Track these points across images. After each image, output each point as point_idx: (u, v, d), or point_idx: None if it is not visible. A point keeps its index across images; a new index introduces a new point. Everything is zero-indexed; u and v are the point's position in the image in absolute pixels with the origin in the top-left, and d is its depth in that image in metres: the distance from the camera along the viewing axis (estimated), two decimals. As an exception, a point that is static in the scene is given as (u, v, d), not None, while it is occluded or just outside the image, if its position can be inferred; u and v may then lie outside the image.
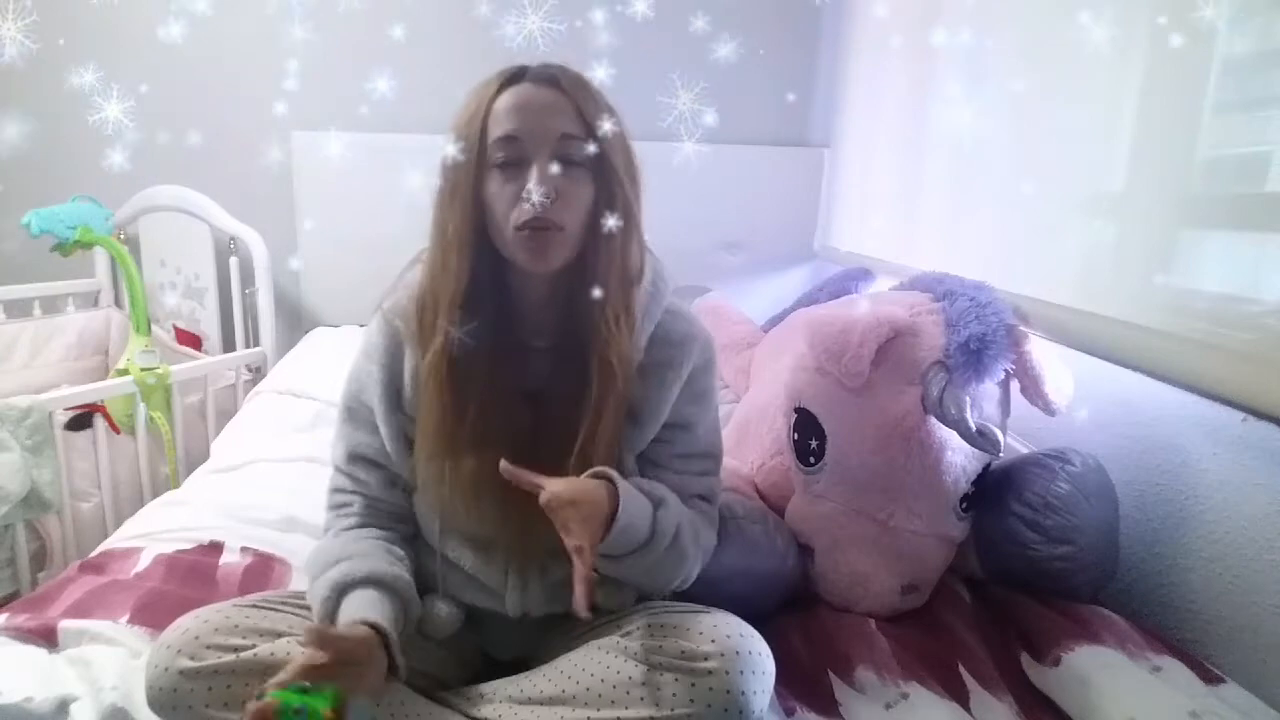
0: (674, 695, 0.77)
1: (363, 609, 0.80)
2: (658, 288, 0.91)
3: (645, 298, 0.89)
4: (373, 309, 0.94)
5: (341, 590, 0.83)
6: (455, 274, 0.84)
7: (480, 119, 0.83)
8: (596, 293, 0.84)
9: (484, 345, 0.85)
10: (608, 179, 0.83)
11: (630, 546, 0.83)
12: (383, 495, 0.95)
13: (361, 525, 0.94)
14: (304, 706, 0.67)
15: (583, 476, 0.83)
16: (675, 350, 0.91)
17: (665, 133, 2.29)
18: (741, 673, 0.76)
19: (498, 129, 0.82)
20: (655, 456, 0.94)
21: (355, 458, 0.95)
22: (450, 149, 0.84)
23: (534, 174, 0.80)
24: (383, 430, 0.92)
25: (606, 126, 0.83)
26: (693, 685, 0.77)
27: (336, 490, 0.97)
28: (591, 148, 0.82)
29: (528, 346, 0.90)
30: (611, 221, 0.83)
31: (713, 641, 0.78)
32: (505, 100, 0.83)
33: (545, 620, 0.95)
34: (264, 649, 0.78)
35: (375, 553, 0.89)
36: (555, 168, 0.81)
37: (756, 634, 0.81)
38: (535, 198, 0.79)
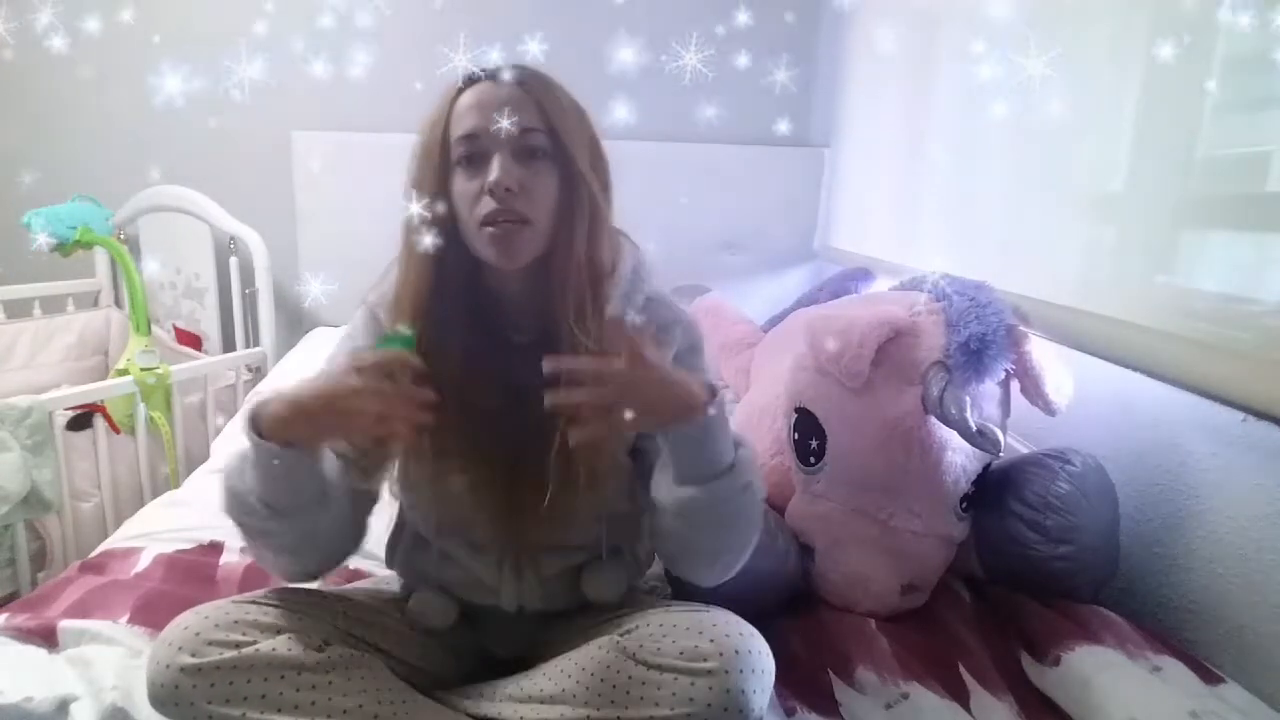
0: (674, 695, 0.77)
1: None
2: (638, 274, 0.91)
3: (624, 286, 0.89)
4: (357, 304, 0.93)
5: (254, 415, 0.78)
6: (421, 273, 0.84)
7: (443, 119, 0.83)
8: (559, 290, 0.83)
9: (460, 342, 0.84)
10: (571, 173, 0.83)
11: (716, 467, 0.80)
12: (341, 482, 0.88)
13: None
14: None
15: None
16: (657, 336, 0.90)
17: (665, 133, 2.30)
18: (741, 672, 0.76)
19: (459, 128, 0.82)
20: (648, 445, 0.92)
21: None
22: (414, 150, 0.85)
23: (495, 166, 0.80)
24: None
25: (569, 120, 0.83)
26: (692, 684, 0.76)
27: None
28: (549, 140, 0.82)
29: (509, 342, 0.89)
30: (574, 215, 0.83)
31: (712, 641, 0.78)
32: (466, 99, 0.83)
33: (543, 616, 0.95)
34: (265, 645, 0.78)
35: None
36: (515, 162, 0.81)
37: (756, 633, 0.81)
38: (497, 191, 0.79)
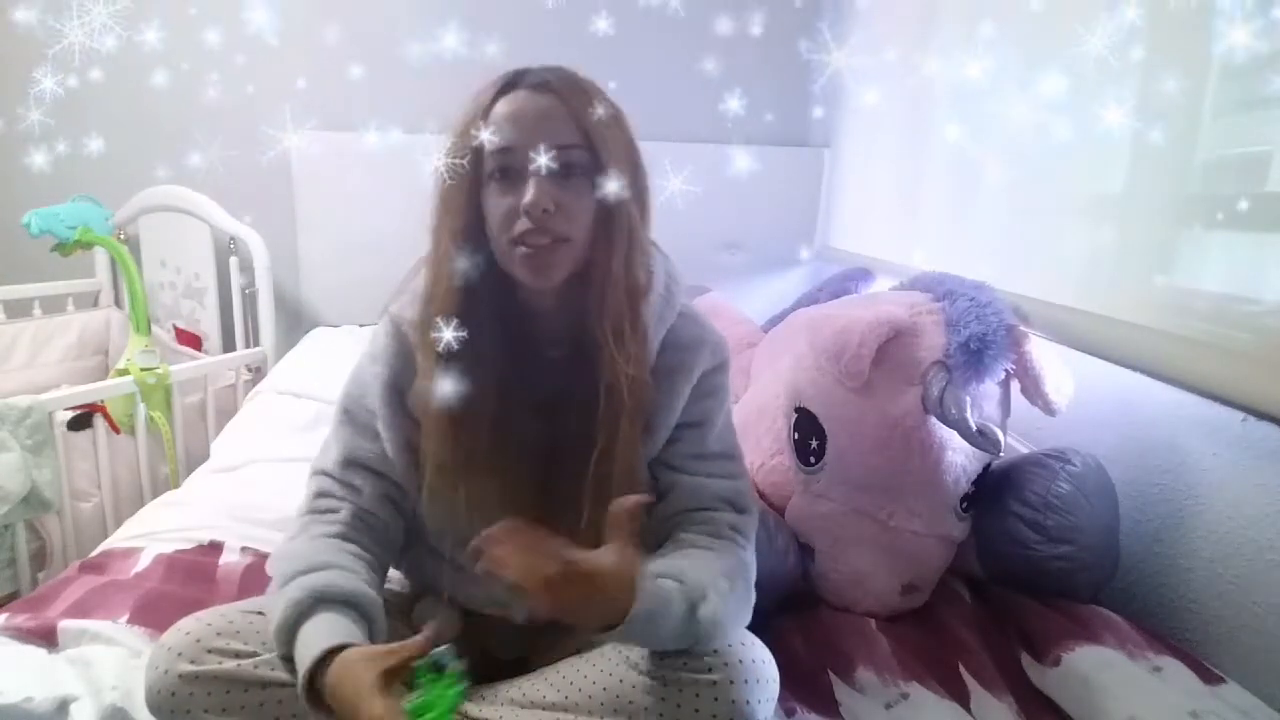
0: (678, 706, 0.76)
1: (336, 633, 0.75)
2: (670, 291, 0.89)
3: (658, 303, 0.87)
4: (380, 312, 0.91)
5: (318, 599, 0.77)
6: (448, 287, 0.81)
7: (477, 126, 0.80)
8: (597, 311, 0.82)
9: (490, 355, 0.83)
10: (608, 188, 0.80)
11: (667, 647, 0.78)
12: (374, 509, 0.90)
13: (343, 537, 0.87)
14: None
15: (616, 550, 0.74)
16: (685, 354, 0.89)
17: (665, 133, 2.30)
18: (746, 682, 0.76)
19: (494, 137, 0.80)
20: (668, 459, 0.92)
21: (352, 463, 0.90)
22: (444, 158, 0.82)
23: (531, 186, 0.78)
24: (385, 435, 0.89)
25: (608, 133, 0.81)
26: (696, 695, 0.76)
27: (322, 494, 0.91)
28: (588, 156, 0.80)
29: (542, 356, 0.88)
30: (612, 234, 0.81)
31: (715, 651, 0.78)
32: (501, 109, 0.80)
33: (549, 623, 0.94)
34: (265, 657, 0.77)
35: (361, 571, 0.84)
36: (551, 179, 0.78)
37: (758, 641, 0.81)
38: (534, 212, 0.77)
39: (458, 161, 0.81)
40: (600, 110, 0.82)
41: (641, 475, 0.89)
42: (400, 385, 0.89)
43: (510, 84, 0.82)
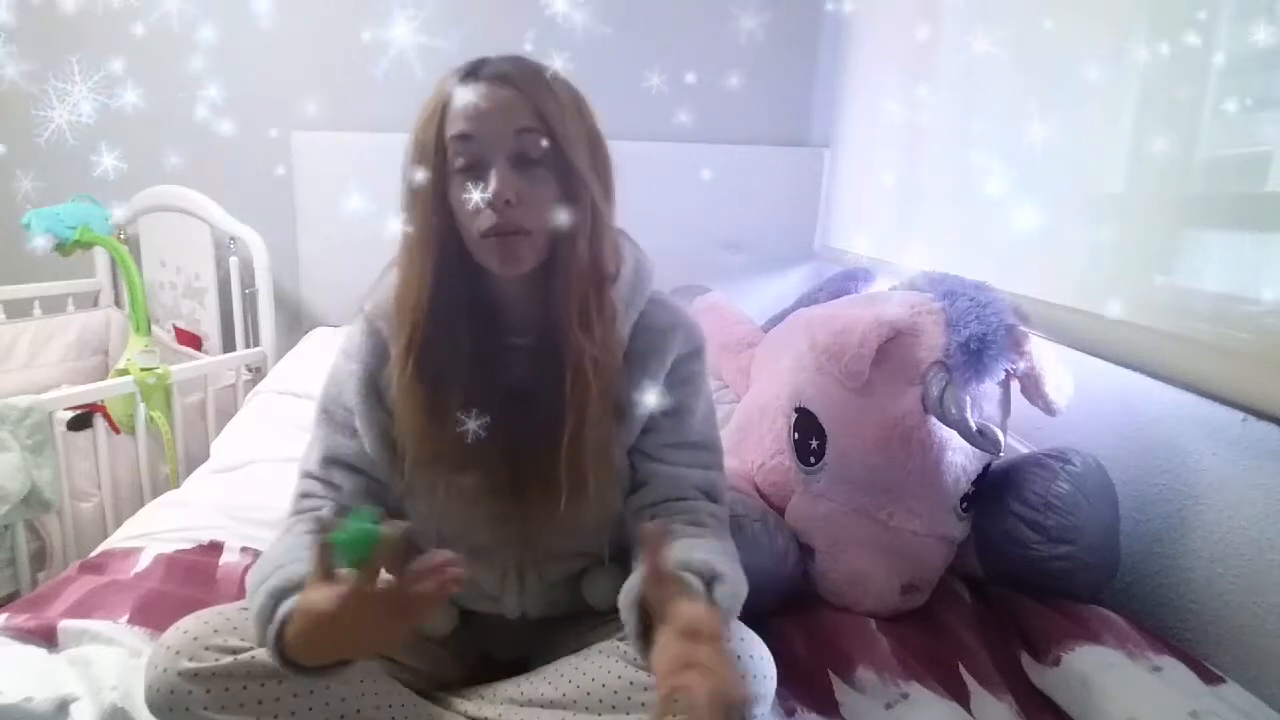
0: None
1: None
2: (639, 277, 0.90)
3: (626, 289, 0.88)
4: (354, 311, 0.92)
5: (281, 596, 0.75)
6: (420, 277, 0.82)
7: (437, 120, 0.81)
8: (561, 295, 0.82)
9: (461, 345, 0.83)
10: (570, 175, 0.81)
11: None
12: (356, 504, 0.91)
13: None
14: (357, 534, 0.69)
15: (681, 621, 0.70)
16: (657, 339, 0.90)
17: (665, 133, 2.30)
18: (742, 677, 0.76)
19: (453, 128, 0.80)
20: (644, 447, 0.92)
21: (332, 461, 0.91)
22: (410, 151, 0.82)
23: (493, 178, 0.78)
24: (363, 430, 0.89)
25: (567, 118, 0.81)
26: None
27: (306, 495, 0.92)
28: (547, 143, 0.79)
29: (508, 345, 0.88)
30: (575, 219, 0.81)
31: None
32: (460, 99, 0.80)
33: (545, 620, 0.94)
34: (261, 652, 0.78)
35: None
36: (513, 171, 0.79)
37: (757, 638, 0.81)
38: (497, 203, 0.78)
39: (422, 155, 0.81)
40: (559, 96, 0.82)
41: (616, 460, 0.89)
42: (377, 380, 0.89)
43: (468, 75, 0.82)
